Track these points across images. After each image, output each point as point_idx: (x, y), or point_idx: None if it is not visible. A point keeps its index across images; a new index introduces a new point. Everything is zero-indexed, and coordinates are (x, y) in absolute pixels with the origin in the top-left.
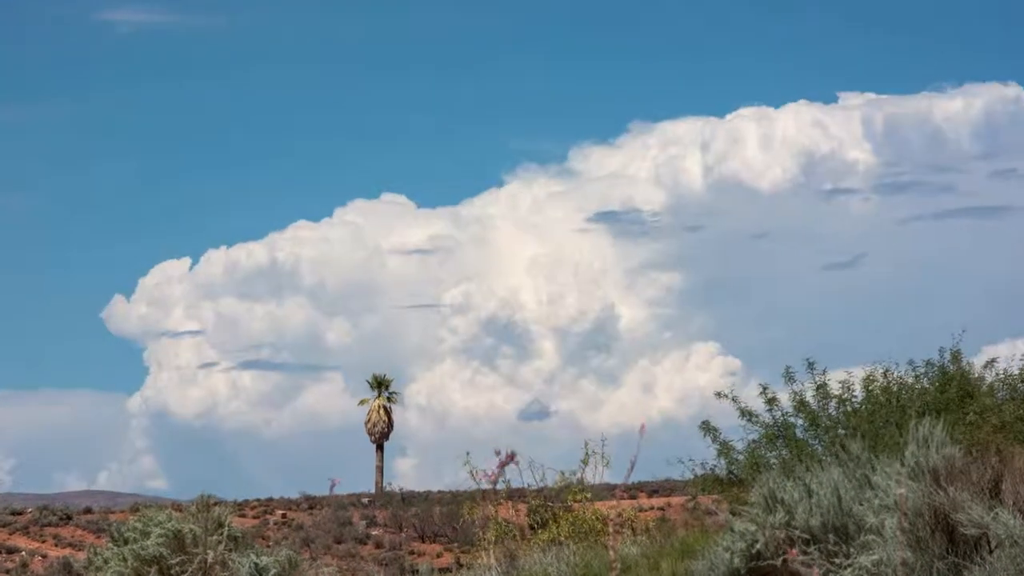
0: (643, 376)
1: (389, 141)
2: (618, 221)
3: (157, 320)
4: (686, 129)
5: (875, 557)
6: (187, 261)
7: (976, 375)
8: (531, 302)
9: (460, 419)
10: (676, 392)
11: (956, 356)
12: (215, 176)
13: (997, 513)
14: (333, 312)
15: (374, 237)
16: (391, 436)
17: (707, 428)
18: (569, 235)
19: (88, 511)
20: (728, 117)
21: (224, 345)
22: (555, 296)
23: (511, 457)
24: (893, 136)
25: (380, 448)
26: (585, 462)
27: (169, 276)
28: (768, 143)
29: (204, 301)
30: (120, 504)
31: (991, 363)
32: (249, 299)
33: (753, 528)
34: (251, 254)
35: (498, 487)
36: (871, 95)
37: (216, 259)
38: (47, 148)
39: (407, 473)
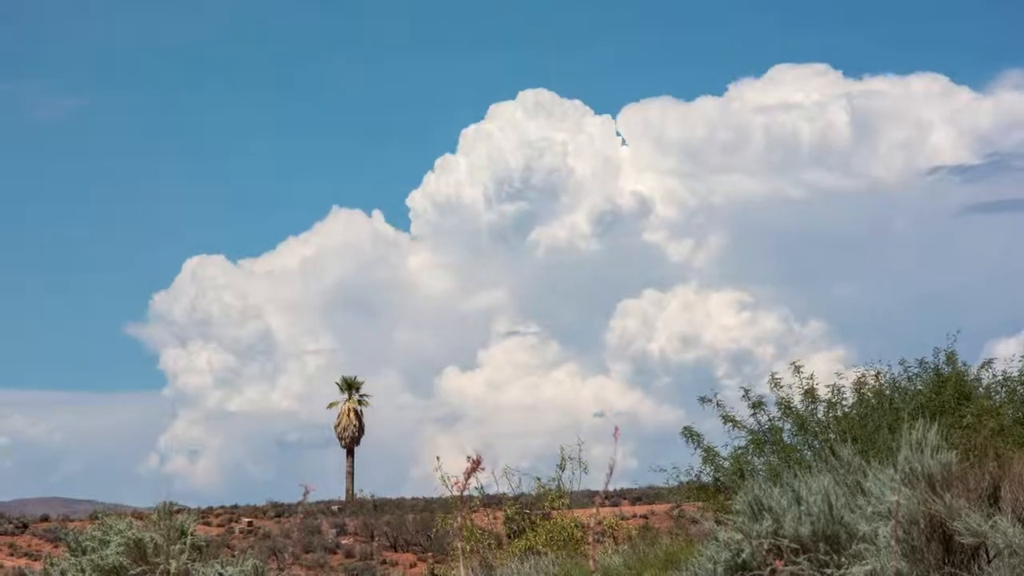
0: None
1: None
2: None
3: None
4: None
5: (868, 567)
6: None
7: (972, 376)
8: None
9: None
10: None
11: (951, 357)
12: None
13: (995, 521)
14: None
15: None
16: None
17: (689, 434)
18: None
19: (45, 519)
20: None
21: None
22: None
23: (477, 463)
24: None
25: (350, 453)
26: (562, 467)
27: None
28: None
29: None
30: (79, 512)
31: (988, 363)
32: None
33: (738, 537)
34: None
35: (470, 494)
36: None
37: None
38: (111, 137)
39: None
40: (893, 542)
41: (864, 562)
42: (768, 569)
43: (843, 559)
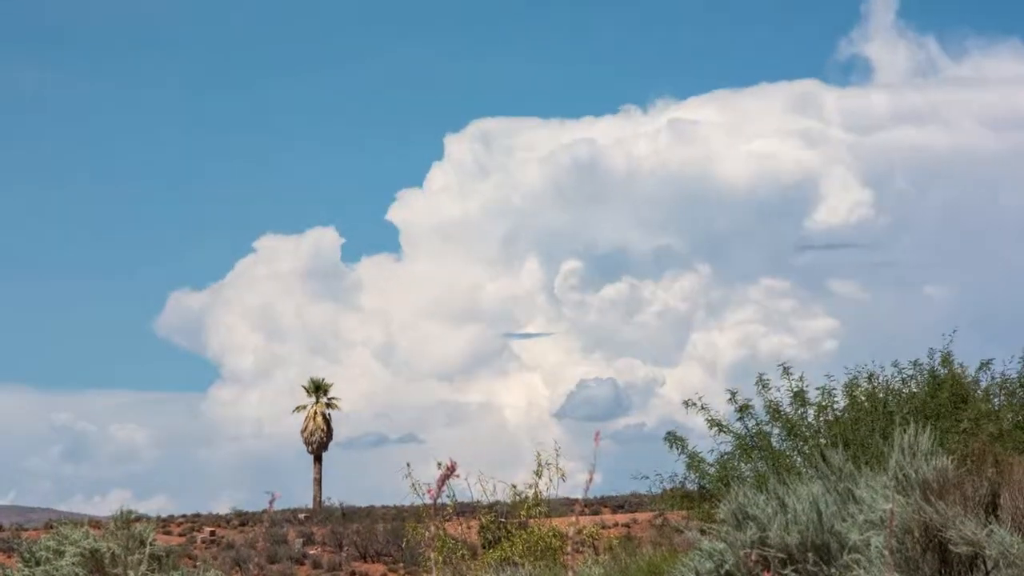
0: None
1: None
2: None
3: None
4: None
5: None
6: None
7: (970, 378)
8: None
9: None
10: None
11: (947, 359)
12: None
13: (992, 530)
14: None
15: None
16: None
17: (673, 439)
18: None
19: None
20: None
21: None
22: None
23: (451, 470)
24: None
25: (318, 459)
26: (538, 474)
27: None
28: None
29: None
30: (33, 521)
31: (986, 365)
32: None
33: (721, 546)
34: None
35: (443, 502)
36: None
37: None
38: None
39: None
40: (886, 552)
41: (855, 573)
42: None
43: (833, 570)
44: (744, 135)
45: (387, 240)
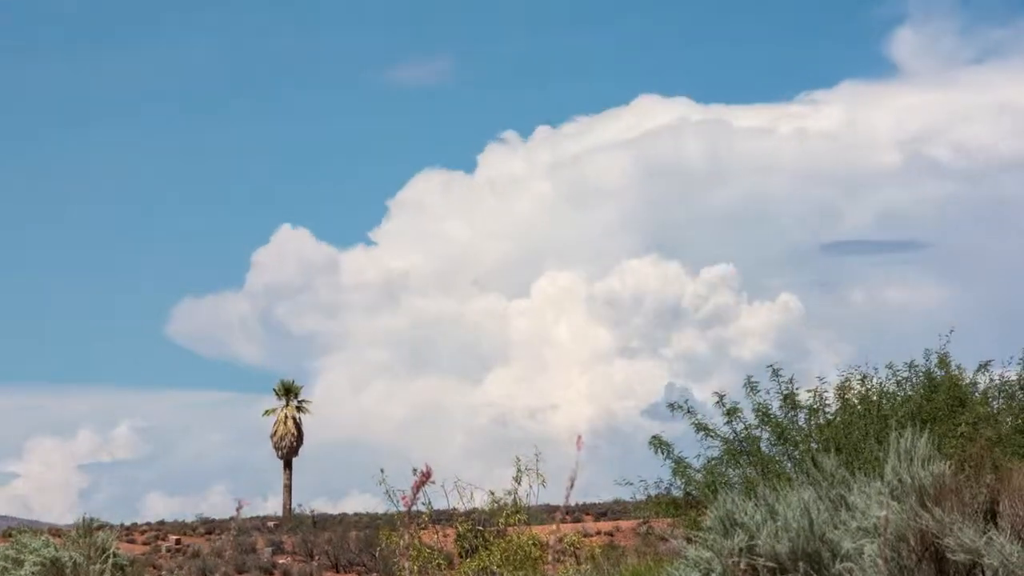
0: None
1: None
2: None
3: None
4: None
5: None
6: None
7: (968, 381)
8: None
9: None
10: None
11: (943, 360)
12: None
13: (991, 538)
14: None
15: None
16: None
17: (658, 443)
18: None
19: None
20: None
21: None
22: None
23: (427, 476)
24: None
25: (288, 465)
26: (518, 480)
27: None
28: None
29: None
30: None
31: (985, 366)
32: None
33: (708, 555)
34: None
35: (418, 509)
36: None
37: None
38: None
39: None
40: (880, 561)
41: None
42: None
43: None
44: None
45: (452, 241)
